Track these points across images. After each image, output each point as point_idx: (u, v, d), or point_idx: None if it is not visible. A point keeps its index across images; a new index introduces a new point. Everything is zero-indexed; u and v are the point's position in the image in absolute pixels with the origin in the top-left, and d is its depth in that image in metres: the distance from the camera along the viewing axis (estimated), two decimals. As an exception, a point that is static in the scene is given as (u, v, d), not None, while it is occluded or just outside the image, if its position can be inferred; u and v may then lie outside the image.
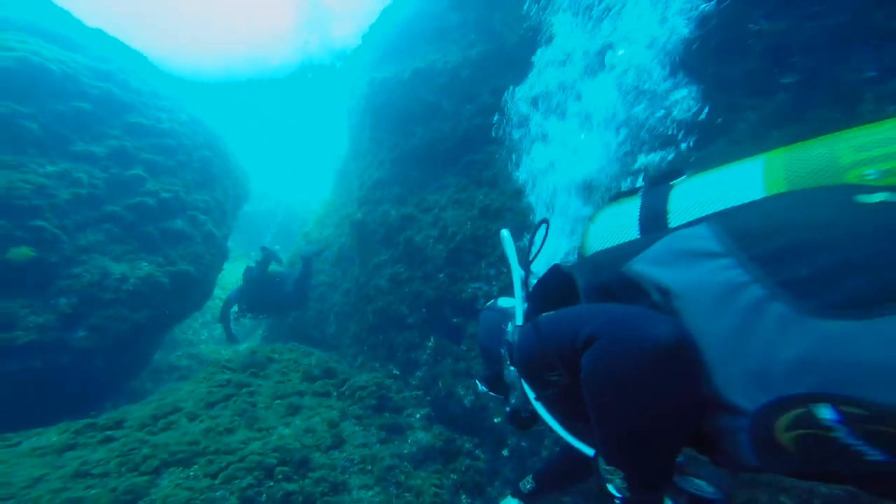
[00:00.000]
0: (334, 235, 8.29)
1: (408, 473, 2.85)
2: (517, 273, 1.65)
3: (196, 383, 3.92)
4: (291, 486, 2.57)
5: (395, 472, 2.80)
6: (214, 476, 2.65)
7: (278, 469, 2.68)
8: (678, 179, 1.32)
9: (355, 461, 2.89)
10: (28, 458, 3.27)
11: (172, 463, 2.80)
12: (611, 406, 0.94)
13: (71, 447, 3.27)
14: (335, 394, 3.65)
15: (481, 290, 4.43)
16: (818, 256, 0.82)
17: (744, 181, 1.12)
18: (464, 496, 3.04)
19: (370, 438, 3.12)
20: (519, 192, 5.09)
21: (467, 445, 3.54)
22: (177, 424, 3.25)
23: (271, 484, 2.62)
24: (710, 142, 3.62)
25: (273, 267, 7.35)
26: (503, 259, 4.45)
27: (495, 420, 3.65)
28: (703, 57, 3.40)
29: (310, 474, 2.72)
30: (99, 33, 8.16)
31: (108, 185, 5.93)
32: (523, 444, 3.43)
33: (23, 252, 4.98)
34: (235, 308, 7.21)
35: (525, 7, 4.20)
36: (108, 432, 3.31)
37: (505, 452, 3.50)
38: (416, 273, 4.92)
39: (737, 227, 0.97)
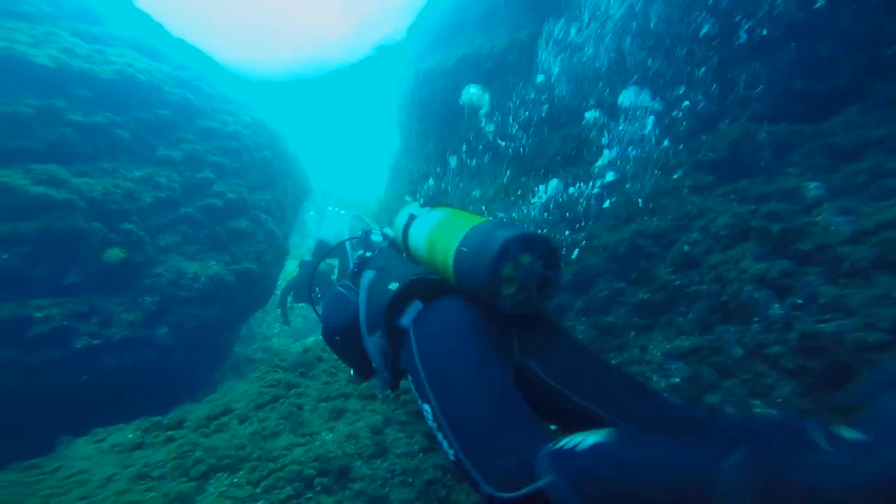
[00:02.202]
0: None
1: (451, 488, 2.67)
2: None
3: (249, 383, 4.01)
4: (329, 501, 2.49)
5: (437, 487, 2.63)
6: (256, 484, 2.64)
7: (318, 480, 2.61)
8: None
9: (397, 472, 2.75)
10: (107, 456, 3.46)
11: (220, 468, 2.83)
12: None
13: (139, 446, 3.44)
14: (380, 396, 3.55)
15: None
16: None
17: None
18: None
19: (413, 447, 2.97)
20: (578, 179, 4.69)
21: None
22: (228, 426, 3.32)
23: (310, 496, 2.56)
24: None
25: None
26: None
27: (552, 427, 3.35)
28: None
29: (350, 485, 2.63)
30: (180, 43, 8.68)
31: (182, 188, 6.28)
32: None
33: (115, 253, 5.38)
34: (291, 296, 7.47)
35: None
36: (170, 432, 3.45)
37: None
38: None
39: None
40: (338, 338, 2.18)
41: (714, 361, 2.62)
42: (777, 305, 2.50)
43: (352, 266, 2.40)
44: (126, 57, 6.51)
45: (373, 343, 1.87)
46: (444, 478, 2.72)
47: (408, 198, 2.73)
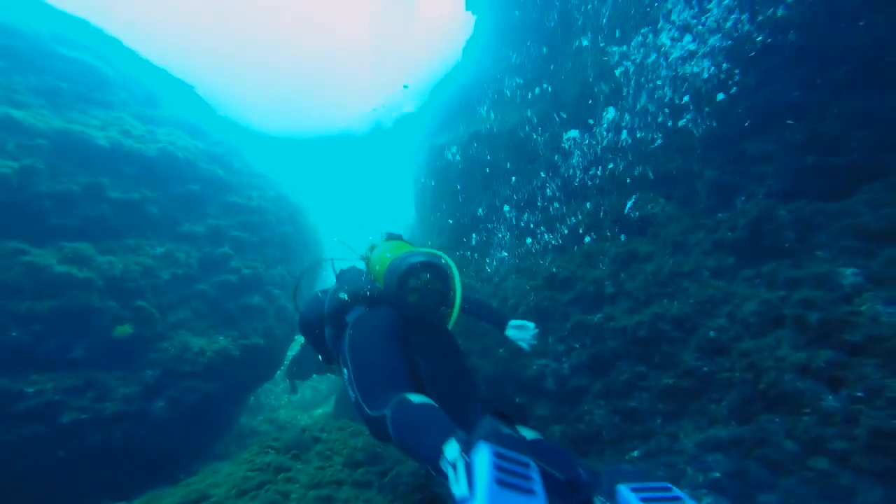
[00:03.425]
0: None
1: None
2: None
3: (236, 465, 3.65)
4: None
5: None
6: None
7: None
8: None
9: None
10: None
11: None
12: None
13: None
14: (377, 484, 3.15)
15: (549, 368, 3.80)
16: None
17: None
18: None
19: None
20: (590, 258, 4.57)
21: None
22: (201, 517, 2.95)
23: None
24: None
25: None
26: (574, 333, 3.84)
27: None
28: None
29: None
30: (223, 120, 9.33)
31: (200, 264, 6.34)
32: None
33: (124, 329, 5.33)
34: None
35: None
36: (136, 520, 3.09)
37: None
38: (475, 346, 4.42)
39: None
40: (306, 326, 2.94)
41: (761, 455, 2.25)
42: (831, 398, 2.19)
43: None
44: (171, 135, 7.01)
45: (327, 332, 2.69)
46: None
47: (380, 234, 3.41)
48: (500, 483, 1.27)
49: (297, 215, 8.86)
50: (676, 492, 1.44)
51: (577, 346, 3.65)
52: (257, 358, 6.27)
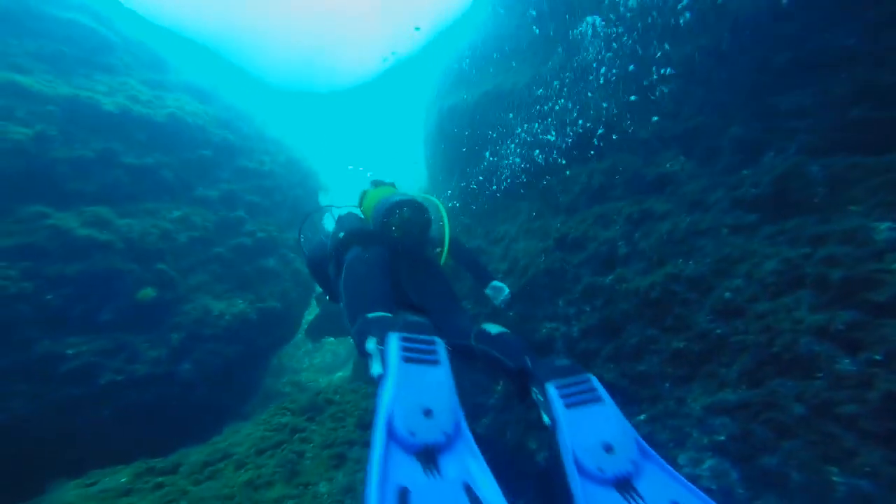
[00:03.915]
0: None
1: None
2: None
3: (255, 425, 3.80)
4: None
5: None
6: (237, 542, 2.37)
7: (301, 542, 2.31)
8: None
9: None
10: (90, 501, 3.19)
11: (204, 520, 2.58)
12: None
13: (127, 493, 3.18)
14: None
15: (559, 332, 3.75)
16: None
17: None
18: None
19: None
20: (603, 217, 4.40)
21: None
22: (222, 473, 3.08)
23: (292, 560, 2.25)
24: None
25: None
26: (585, 295, 3.75)
27: None
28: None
29: (337, 550, 2.31)
30: (233, 85, 9.19)
31: (216, 227, 6.42)
32: None
33: (147, 293, 5.48)
34: None
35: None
36: (161, 478, 3.22)
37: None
38: (483, 310, 4.39)
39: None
40: (313, 266, 3.26)
41: (768, 419, 2.19)
42: (847, 361, 2.08)
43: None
44: (180, 101, 6.94)
45: (330, 271, 2.93)
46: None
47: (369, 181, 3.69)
48: (407, 360, 1.70)
49: (308, 178, 8.82)
50: (594, 382, 1.85)
51: (588, 308, 3.57)
52: (274, 321, 6.41)
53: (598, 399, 1.80)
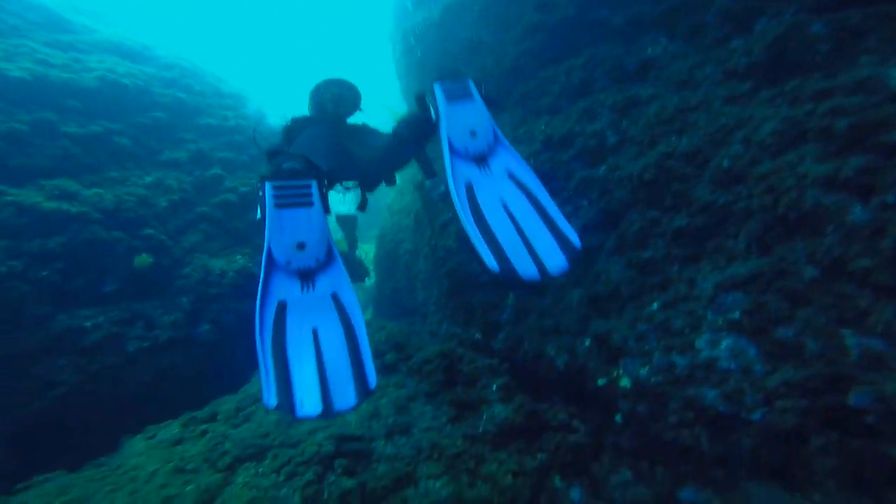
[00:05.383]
0: (411, 202, 7.91)
1: (480, 458, 2.36)
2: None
3: (278, 368, 3.82)
4: (350, 483, 2.23)
5: (466, 459, 2.33)
6: (279, 472, 2.42)
7: (338, 462, 2.36)
8: None
9: (422, 447, 2.46)
10: (155, 451, 3.40)
11: (245, 458, 2.63)
12: None
13: (180, 441, 3.34)
14: (404, 369, 3.25)
15: (558, 232, 3.64)
16: None
17: None
18: (557, 478, 2.46)
19: (440, 419, 2.67)
20: (587, 112, 4.12)
21: (561, 416, 2.90)
22: (254, 416, 3.13)
23: (332, 479, 2.30)
24: None
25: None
26: (579, 191, 3.59)
27: (599, 382, 2.88)
28: None
29: (373, 466, 2.37)
30: (165, 41, 8.39)
31: (194, 188, 6.12)
32: (640, 408, 2.63)
33: (143, 259, 5.31)
34: None
35: None
36: (204, 426, 3.31)
37: (618, 419, 2.79)
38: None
39: None
40: (269, 156, 3.23)
41: (781, 287, 2.12)
42: (859, 209, 1.95)
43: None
44: (106, 62, 6.30)
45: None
46: (473, 448, 2.41)
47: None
48: (279, 206, 1.99)
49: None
50: (471, 86, 2.42)
51: (585, 203, 3.43)
52: (278, 270, 6.31)
53: (470, 96, 2.41)
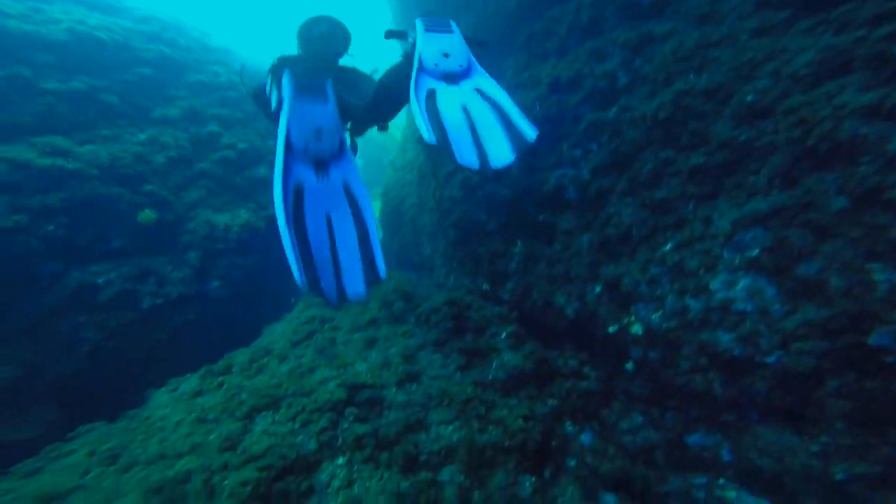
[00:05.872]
0: (414, 157, 7.68)
1: (491, 404, 2.35)
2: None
3: (287, 322, 3.82)
4: (364, 428, 2.24)
5: (476, 405, 2.32)
6: (294, 419, 2.44)
7: (349, 410, 2.36)
8: None
9: (433, 394, 2.46)
10: (179, 403, 3.50)
11: (262, 407, 2.65)
12: None
13: (199, 393, 3.40)
14: (412, 319, 3.22)
15: (567, 177, 3.47)
16: None
17: None
18: (568, 423, 2.47)
19: (449, 367, 2.66)
20: (597, 52, 3.83)
21: (571, 363, 2.89)
22: (267, 367, 3.14)
23: (345, 426, 2.32)
24: None
25: None
26: (588, 134, 3.40)
27: (610, 329, 2.82)
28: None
29: (385, 412, 2.38)
30: None
31: (191, 145, 5.92)
32: (652, 355, 2.59)
33: (148, 215, 5.22)
34: None
35: None
36: (221, 378, 3.35)
37: (629, 366, 2.75)
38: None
39: None
40: (256, 96, 3.14)
41: (805, 220, 1.99)
42: (901, 136, 1.78)
43: None
44: (73, 14, 5.89)
45: (271, 96, 2.84)
46: (484, 394, 2.40)
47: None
48: (298, 94, 2.16)
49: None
50: (453, 25, 2.54)
51: (595, 146, 3.25)
52: (283, 228, 6.22)
53: (450, 30, 2.55)
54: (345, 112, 3.02)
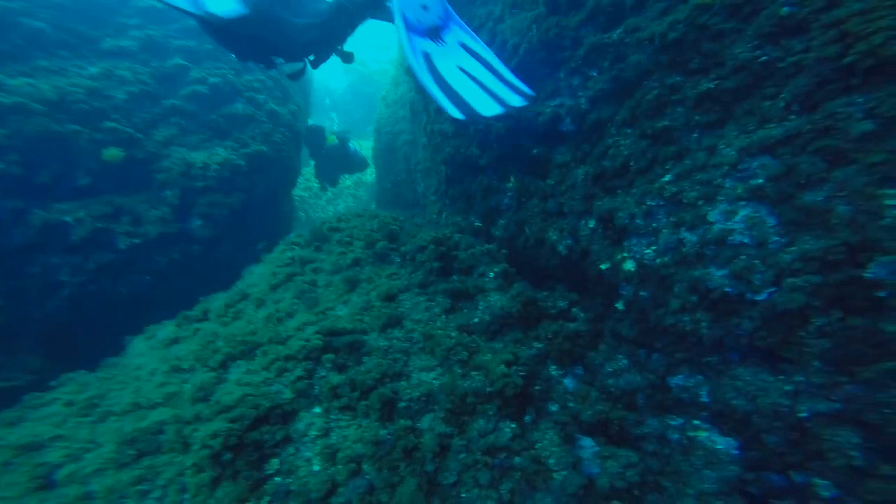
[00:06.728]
0: (406, 91, 7.12)
1: (474, 349, 2.22)
2: None
3: (267, 264, 3.62)
4: (340, 378, 2.12)
5: (459, 350, 2.19)
6: (268, 368, 2.31)
7: (326, 357, 2.23)
8: None
9: (415, 339, 2.33)
10: (155, 351, 3.41)
11: (237, 356, 2.52)
12: None
13: (175, 340, 3.28)
14: (398, 260, 3.03)
15: (564, 107, 3.13)
16: None
17: None
18: (553, 367, 2.36)
19: (434, 309, 2.50)
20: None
21: (560, 304, 2.75)
22: (244, 312, 2.99)
23: (322, 374, 2.20)
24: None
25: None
26: (588, 60, 3.02)
27: (602, 267, 2.65)
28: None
29: (364, 359, 2.25)
30: None
31: (155, 80, 5.39)
32: (643, 293, 2.46)
33: (114, 153, 4.84)
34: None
35: None
36: (197, 324, 3.22)
37: (619, 306, 2.61)
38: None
39: None
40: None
41: (820, 147, 1.75)
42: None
43: None
44: None
45: None
46: (468, 340, 2.26)
47: None
48: None
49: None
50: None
51: (595, 73, 2.88)
52: (266, 165, 5.86)
53: None
54: (283, 38, 3.12)
